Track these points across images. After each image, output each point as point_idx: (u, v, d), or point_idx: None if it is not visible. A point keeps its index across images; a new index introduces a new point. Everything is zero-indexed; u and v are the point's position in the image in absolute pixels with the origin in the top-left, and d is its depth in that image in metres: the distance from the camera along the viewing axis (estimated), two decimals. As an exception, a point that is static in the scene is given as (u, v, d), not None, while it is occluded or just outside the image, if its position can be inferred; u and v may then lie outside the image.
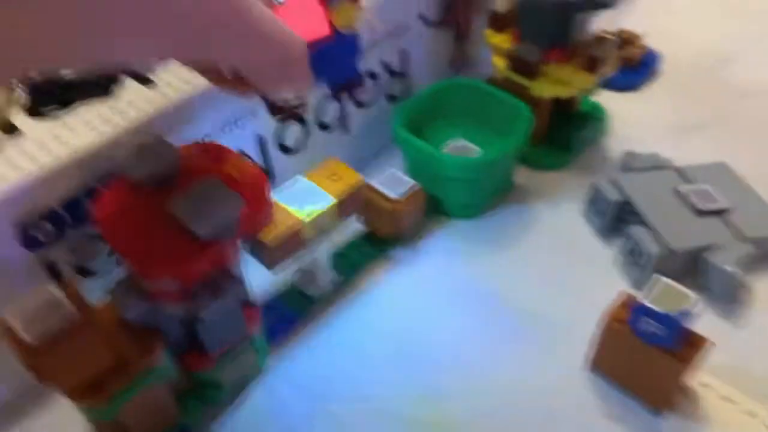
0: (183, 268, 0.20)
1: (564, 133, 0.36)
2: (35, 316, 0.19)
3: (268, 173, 0.31)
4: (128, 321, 0.21)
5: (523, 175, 0.35)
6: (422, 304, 0.30)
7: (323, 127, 0.32)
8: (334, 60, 0.22)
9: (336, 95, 0.23)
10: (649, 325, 0.23)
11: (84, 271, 0.26)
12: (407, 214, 0.31)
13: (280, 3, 0.20)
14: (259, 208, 0.21)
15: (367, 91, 0.34)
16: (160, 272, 0.20)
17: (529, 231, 0.33)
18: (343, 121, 0.33)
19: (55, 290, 0.20)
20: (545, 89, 0.34)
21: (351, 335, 0.28)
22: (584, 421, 0.25)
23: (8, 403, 0.26)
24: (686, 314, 0.23)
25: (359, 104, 0.34)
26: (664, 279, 0.24)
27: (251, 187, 0.21)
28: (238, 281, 0.22)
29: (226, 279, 0.21)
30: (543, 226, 0.33)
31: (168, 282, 0.20)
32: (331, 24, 0.21)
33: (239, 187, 0.21)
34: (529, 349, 0.28)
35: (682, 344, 0.23)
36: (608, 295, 0.25)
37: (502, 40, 0.35)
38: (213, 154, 0.23)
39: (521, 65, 0.34)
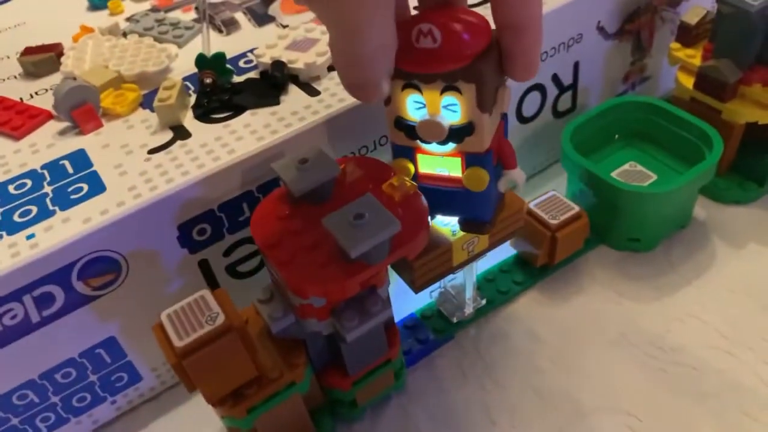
0: (333, 287, 0.19)
1: (756, 164, 0.31)
2: (188, 322, 0.19)
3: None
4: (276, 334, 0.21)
5: (703, 208, 0.31)
6: (569, 342, 0.27)
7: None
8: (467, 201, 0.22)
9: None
10: None
11: (236, 274, 0.26)
12: (566, 242, 0.28)
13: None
14: (416, 232, 0.20)
15: (533, 104, 0.31)
16: (309, 289, 0.19)
17: (705, 273, 0.29)
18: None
19: (210, 298, 0.20)
20: (742, 113, 0.29)
21: (490, 364, 0.26)
22: None
23: (157, 392, 0.27)
24: None
25: (522, 119, 0.32)
26: None
27: (408, 208, 0.20)
28: (385, 304, 0.21)
29: (373, 300, 0.20)
30: (723, 269, 0.29)
31: (316, 299, 0.20)
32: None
33: (396, 207, 0.20)
34: (694, 407, 0.24)
35: None
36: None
37: (690, 56, 0.31)
38: (371, 169, 0.22)
39: (713, 85, 0.30)
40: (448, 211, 0.23)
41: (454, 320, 0.27)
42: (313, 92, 0.26)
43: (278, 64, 0.27)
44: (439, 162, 0.22)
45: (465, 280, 0.26)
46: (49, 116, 0.27)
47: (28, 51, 0.31)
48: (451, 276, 0.26)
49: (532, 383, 0.26)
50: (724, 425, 0.23)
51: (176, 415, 0.27)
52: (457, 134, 0.20)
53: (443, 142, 0.21)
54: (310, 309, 0.20)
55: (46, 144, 0.26)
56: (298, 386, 0.22)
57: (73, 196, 0.23)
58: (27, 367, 0.23)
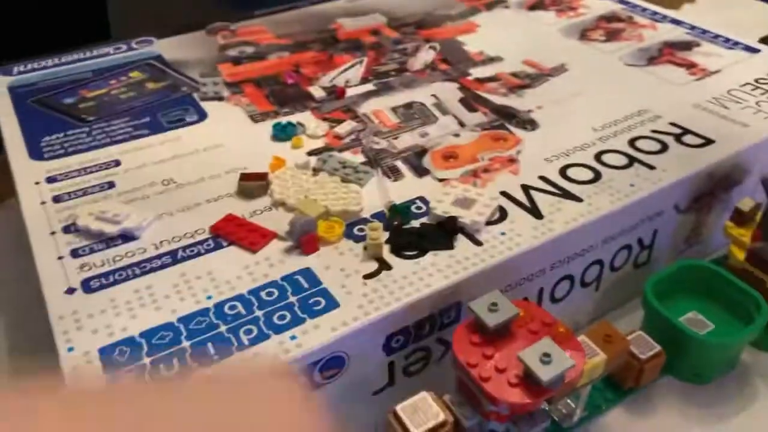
0: (523, 404, 0.28)
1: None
2: (417, 416, 0.28)
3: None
4: (463, 426, 0.29)
5: (749, 354, 0.41)
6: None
7: (584, 284, 0.40)
8: None
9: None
10: None
11: (407, 373, 0.35)
12: (648, 371, 0.37)
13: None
14: (577, 371, 0.29)
15: (622, 262, 0.41)
16: (505, 402, 0.28)
17: (746, 410, 0.38)
18: (598, 280, 0.41)
19: (429, 398, 0.29)
20: (782, 286, 0.39)
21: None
22: None
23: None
24: None
25: (612, 269, 0.41)
26: None
27: (572, 350, 0.29)
28: (548, 416, 0.29)
29: (541, 414, 0.29)
30: (763, 402, 0.38)
31: (504, 407, 0.28)
32: None
33: (565, 347, 0.29)
34: None
35: None
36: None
37: (742, 234, 0.41)
38: (533, 311, 0.31)
39: (761, 261, 0.40)
40: None
41: (564, 425, 0.36)
42: (477, 242, 0.36)
43: (453, 219, 0.36)
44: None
45: (581, 394, 0.35)
46: (274, 236, 0.36)
47: (245, 177, 0.40)
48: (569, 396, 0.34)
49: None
50: None
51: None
52: None
53: None
54: (495, 414, 0.29)
55: (279, 260, 0.35)
56: (473, 467, 0.30)
57: (315, 308, 0.32)
58: None
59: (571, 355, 0.29)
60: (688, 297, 0.42)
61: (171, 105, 0.49)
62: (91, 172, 0.42)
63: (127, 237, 0.36)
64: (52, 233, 0.37)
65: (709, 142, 0.43)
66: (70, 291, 0.33)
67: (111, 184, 0.41)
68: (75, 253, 0.35)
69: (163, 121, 0.48)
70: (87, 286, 0.33)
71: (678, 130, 0.45)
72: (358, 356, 0.32)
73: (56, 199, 0.40)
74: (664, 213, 0.41)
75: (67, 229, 0.37)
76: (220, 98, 0.50)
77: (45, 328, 0.32)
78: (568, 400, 0.36)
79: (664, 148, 0.43)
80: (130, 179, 0.41)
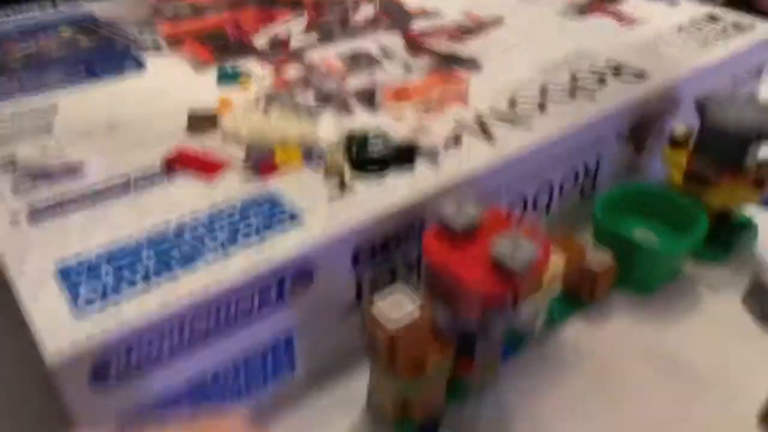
0: (493, 291, 0.28)
1: (722, 235, 0.44)
2: (394, 310, 0.28)
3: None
4: (436, 322, 0.30)
5: (688, 265, 0.43)
6: (610, 364, 0.37)
7: (535, 207, 0.41)
8: None
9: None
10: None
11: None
12: (601, 283, 0.38)
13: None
14: (545, 258, 0.29)
15: (570, 186, 0.43)
16: (480, 289, 0.28)
17: (694, 317, 0.40)
18: (548, 204, 0.42)
19: (407, 289, 0.29)
20: (717, 200, 0.42)
21: (554, 366, 0.36)
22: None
23: (300, 384, 0.35)
24: None
25: (561, 194, 0.43)
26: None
27: (539, 242, 0.30)
28: (516, 314, 0.30)
29: (509, 310, 0.30)
30: (708, 309, 0.40)
31: (476, 301, 0.29)
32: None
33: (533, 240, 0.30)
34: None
35: None
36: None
37: (679, 156, 0.44)
38: (503, 216, 0.32)
39: (698, 179, 0.42)
40: None
41: (524, 336, 0.37)
42: (435, 164, 0.36)
43: (411, 142, 0.36)
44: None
45: (541, 307, 0.36)
46: (229, 165, 0.36)
47: (194, 112, 0.39)
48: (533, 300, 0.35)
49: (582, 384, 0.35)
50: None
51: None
52: None
53: None
54: (468, 310, 0.29)
55: (237, 185, 0.34)
56: (447, 365, 0.30)
57: (280, 225, 0.31)
58: (235, 349, 0.30)
59: (537, 246, 0.29)
60: (632, 217, 0.44)
61: (107, 58, 0.48)
62: (27, 115, 0.40)
63: (71, 171, 0.35)
64: (-11, 172, 0.35)
65: (642, 74, 0.46)
66: (14, 223, 0.31)
67: (49, 127, 0.39)
68: (16, 190, 0.33)
69: (99, 71, 0.46)
70: (34, 218, 0.31)
71: (615, 65, 0.47)
72: (326, 269, 0.31)
73: (-10, 141, 0.37)
74: (605, 140, 0.43)
75: (5, 169, 0.35)
76: (159, 48, 0.49)
77: None
78: (529, 307, 0.37)
79: (603, 80, 0.45)
80: (69, 121, 0.39)
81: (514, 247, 0.28)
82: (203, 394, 0.30)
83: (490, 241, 0.29)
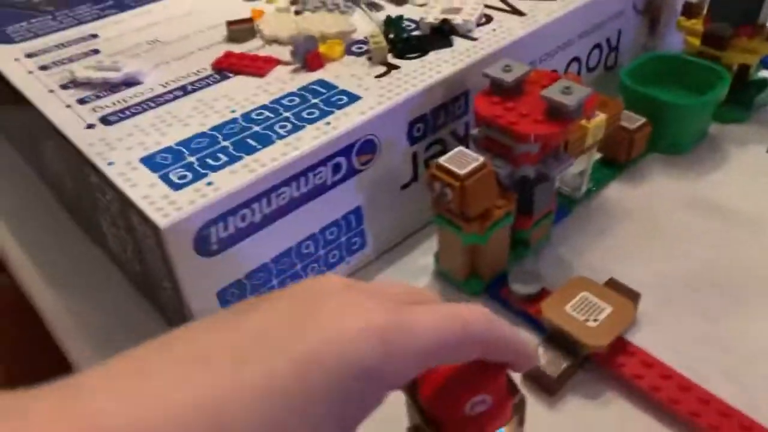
0: (550, 132, 0.30)
1: (742, 96, 0.46)
2: (460, 165, 0.30)
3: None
4: (498, 177, 0.32)
5: (713, 126, 0.45)
6: (652, 217, 0.39)
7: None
8: None
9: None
10: None
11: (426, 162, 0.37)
12: (638, 142, 0.41)
13: None
14: (594, 100, 0.31)
15: (596, 60, 0.44)
16: (535, 135, 0.30)
17: (725, 169, 0.42)
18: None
19: (466, 150, 0.31)
20: (736, 57, 0.44)
21: (597, 220, 0.38)
22: None
23: (371, 260, 0.37)
24: None
25: (588, 69, 0.44)
26: None
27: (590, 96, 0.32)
28: (571, 159, 0.32)
29: (562, 156, 0.32)
30: (737, 161, 0.42)
31: (532, 146, 0.31)
32: None
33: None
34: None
35: None
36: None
37: (693, 24, 0.46)
38: (547, 74, 0.34)
39: (714, 40, 0.44)
40: None
41: (575, 197, 0.39)
42: (471, 39, 0.38)
43: (446, 20, 0.38)
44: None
45: (586, 167, 0.38)
46: (278, 62, 0.37)
47: (232, 23, 0.41)
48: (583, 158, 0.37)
49: (637, 230, 0.38)
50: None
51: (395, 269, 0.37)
52: None
53: None
54: (526, 156, 0.32)
55: (289, 78, 0.36)
56: (510, 216, 0.33)
57: (339, 103, 0.33)
58: (314, 222, 0.32)
59: (588, 96, 0.31)
60: (657, 85, 0.45)
61: (131, -11, 0.49)
62: (71, 45, 0.41)
63: (130, 83, 0.36)
64: (51, 91, 0.36)
65: (652, -51, 0.47)
66: (90, 126, 0.33)
67: (96, 51, 0.40)
68: (82, 101, 0.35)
69: (128, 1, 0.47)
70: (106, 121, 0.33)
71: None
72: (386, 142, 0.33)
73: (43, 68, 0.39)
74: (624, 12, 0.45)
75: (65, 87, 0.36)
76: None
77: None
78: (575, 169, 0.39)
79: (616, -43, 0.46)
80: (113, 44, 0.41)
81: (566, 89, 0.30)
82: (291, 267, 0.33)
83: (541, 90, 0.31)
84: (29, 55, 0.40)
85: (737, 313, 0.33)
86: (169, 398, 0.14)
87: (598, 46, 0.44)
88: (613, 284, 0.33)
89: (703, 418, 0.27)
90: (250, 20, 0.41)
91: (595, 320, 0.30)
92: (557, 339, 0.30)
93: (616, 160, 0.41)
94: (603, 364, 0.30)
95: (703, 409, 0.28)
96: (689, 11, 0.46)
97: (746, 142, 0.44)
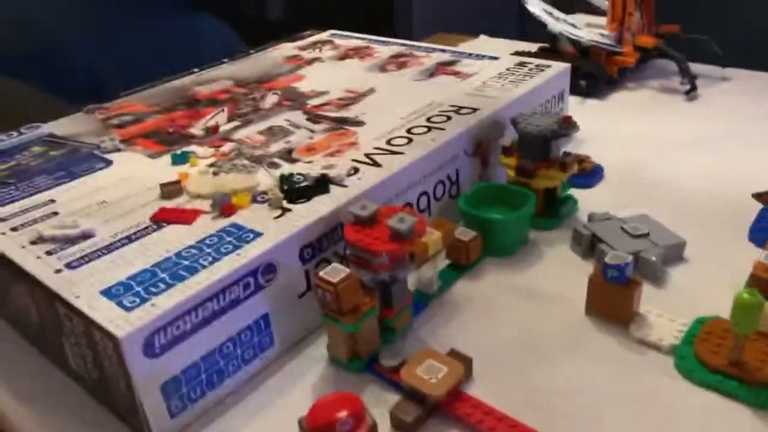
0: (393, 248, 0.44)
1: (552, 209, 0.62)
2: (335, 275, 0.43)
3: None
4: (363, 282, 0.45)
5: (532, 234, 0.61)
6: (486, 302, 0.53)
7: (420, 210, 0.58)
8: None
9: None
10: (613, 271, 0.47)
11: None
12: (472, 250, 0.55)
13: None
14: (421, 226, 0.46)
15: (441, 192, 0.60)
16: (383, 252, 0.44)
17: (539, 264, 0.57)
18: (428, 207, 0.59)
19: (339, 265, 0.44)
20: (541, 183, 0.60)
21: (450, 313, 0.52)
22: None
23: (279, 353, 0.48)
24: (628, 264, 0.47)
25: (436, 199, 0.60)
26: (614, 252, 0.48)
27: (416, 216, 0.46)
28: (411, 264, 0.46)
29: (407, 264, 0.46)
30: (548, 257, 0.58)
31: (383, 258, 0.45)
32: None
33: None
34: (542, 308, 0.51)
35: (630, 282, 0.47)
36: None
37: (510, 160, 0.63)
38: (392, 208, 0.48)
39: (524, 172, 0.61)
40: None
41: (429, 292, 0.53)
42: (342, 186, 0.52)
43: (324, 175, 0.53)
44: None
45: (435, 271, 0.52)
46: (201, 213, 0.50)
47: (165, 184, 0.54)
48: (426, 268, 0.51)
49: (478, 310, 0.51)
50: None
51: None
52: None
53: None
54: (380, 266, 0.45)
55: (210, 224, 0.49)
56: (375, 310, 0.45)
57: (247, 238, 0.46)
58: (232, 328, 0.44)
59: (416, 218, 0.46)
60: (487, 206, 0.61)
61: (78, 161, 0.61)
62: (34, 209, 0.53)
63: (86, 236, 0.48)
64: (23, 247, 0.47)
65: (475, 110, 0.65)
66: (58, 271, 0.44)
67: (55, 213, 0.52)
68: (49, 253, 0.46)
69: (77, 171, 0.59)
70: (71, 266, 0.45)
71: (456, 108, 0.66)
72: (284, 264, 0.46)
73: (14, 230, 0.50)
74: (458, 156, 0.61)
75: (34, 243, 0.48)
76: (119, 150, 0.63)
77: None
78: (428, 273, 0.53)
79: (449, 118, 0.64)
80: (69, 207, 0.53)
81: (401, 219, 0.44)
82: (215, 364, 0.43)
83: (386, 221, 0.45)
84: (1, 220, 0.51)
85: (546, 367, 0.47)
86: None
87: (441, 181, 0.60)
88: (452, 352, 0.46)
89: (511, 435, 0.40)
90: (178, 182, 0.54)
91: (435, 378, 0.42)
92: (412, 394, 0.42)
93: (459, 263, 0.56)
94: (446, 410, 0.42)
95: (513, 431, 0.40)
96: (507, 151, 0.63)
97: (555, 242, 0.60)
